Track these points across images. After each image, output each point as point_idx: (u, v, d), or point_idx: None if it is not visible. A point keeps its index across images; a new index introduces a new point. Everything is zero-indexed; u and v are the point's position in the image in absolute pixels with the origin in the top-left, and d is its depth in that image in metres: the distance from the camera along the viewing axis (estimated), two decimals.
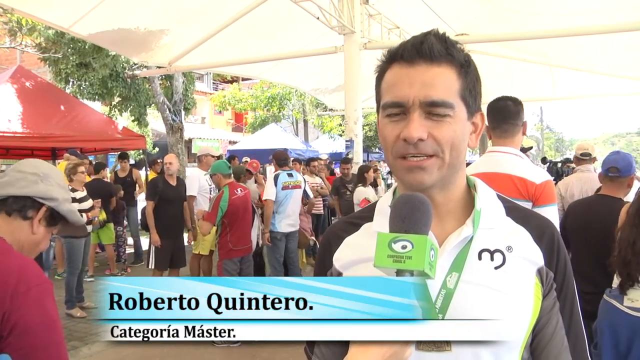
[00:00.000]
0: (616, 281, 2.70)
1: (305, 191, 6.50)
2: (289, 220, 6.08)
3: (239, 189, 5.29)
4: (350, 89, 6.32)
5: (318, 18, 5.93)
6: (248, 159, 9.52)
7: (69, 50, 10.69)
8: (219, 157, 6.34)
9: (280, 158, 6.41)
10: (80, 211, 5.87)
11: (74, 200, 5.94)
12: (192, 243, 6.61)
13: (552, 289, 0.97)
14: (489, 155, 2.56)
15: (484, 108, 1.03)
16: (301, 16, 6.15)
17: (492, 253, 0.96)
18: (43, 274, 1.41)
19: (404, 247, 0.79)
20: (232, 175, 5.55)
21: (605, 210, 2.96)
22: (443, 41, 0.93)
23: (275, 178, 6.08)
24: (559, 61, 8.75)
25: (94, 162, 9.07)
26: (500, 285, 0.93)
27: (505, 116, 2.49)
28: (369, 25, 7.05)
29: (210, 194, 6.61)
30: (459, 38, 6.60)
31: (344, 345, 0.82)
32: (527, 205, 2.27)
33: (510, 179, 2.37)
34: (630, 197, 3.12)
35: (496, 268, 0.95)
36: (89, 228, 6.17)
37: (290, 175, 6.23)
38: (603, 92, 10.51)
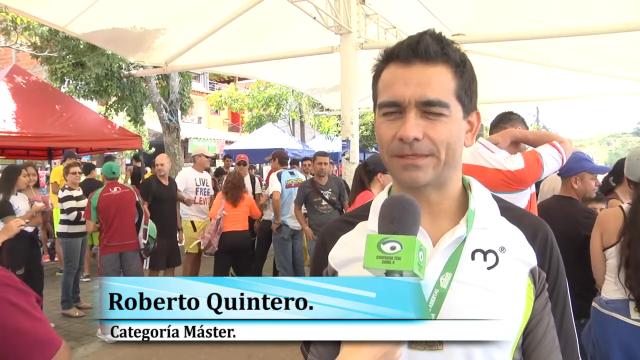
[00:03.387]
0: (606, 289, 2.60)
1: None
2: (293, 218, 6.11)
3: (115, 188, 5.39)
4: (346, 88, 6.31)
5: (315, 18, 5.92)
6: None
7: (64, 49, 10.64)
8: (214, 158, 6.35)
9: (282, 156, 6.50)
10: (79, 209, 5.88)
11: (72, 198, 5.94)
12: (184, 242, 6.64)
13: (544, 289, 0.98)
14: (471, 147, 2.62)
15: (480, 107, 1.04)
16: (298, 16, 6.14)
17: (485, 253, 0.96)
18: None
19: (392, 248, 0.80)
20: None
21: (561, 210, 3.06)
22: (439, 41, 0.94)
23: (279, 175, 6.14)
24: (555, 61, 8.76)
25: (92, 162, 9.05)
26: (492, 286, 0.94)
27: (502, 120, 2.74)
28: (366, 25, 7.04)
29: (197, 194, 6.69)
30: (455, 38, 6.58)
31: (341, 344, 0.82)
32: (513, 196, 2.31)
33: (485, 171, 2.41)
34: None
35: (489, 268, 0.95)
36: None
37: (291, 173, 6.30)
38: (599, 93, 10.51)
